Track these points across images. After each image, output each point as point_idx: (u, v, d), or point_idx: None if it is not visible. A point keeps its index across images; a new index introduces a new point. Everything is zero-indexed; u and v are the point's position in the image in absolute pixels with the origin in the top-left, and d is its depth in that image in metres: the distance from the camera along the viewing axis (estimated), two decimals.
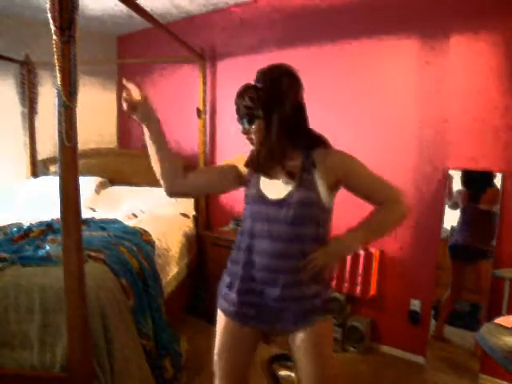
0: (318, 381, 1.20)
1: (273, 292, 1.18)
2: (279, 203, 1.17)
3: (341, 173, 1.17)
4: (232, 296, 1.25)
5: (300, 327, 1.20)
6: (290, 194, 1.16)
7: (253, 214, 1.23)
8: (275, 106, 1.13)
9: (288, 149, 1.18)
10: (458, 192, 2.26)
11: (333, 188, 1.19)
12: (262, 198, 1.20)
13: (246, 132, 1.20)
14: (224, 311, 1.29)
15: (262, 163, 1.20)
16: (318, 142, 1.21)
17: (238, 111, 1.19)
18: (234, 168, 1.30)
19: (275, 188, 1.19)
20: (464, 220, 2.28)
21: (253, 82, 1.17)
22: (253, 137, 1.19)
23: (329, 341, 1.27)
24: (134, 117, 1.19)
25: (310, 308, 1.20)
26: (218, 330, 1.31)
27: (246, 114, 1.17)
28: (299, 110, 1.19)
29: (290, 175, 1.18)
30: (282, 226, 1.16)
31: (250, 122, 1.17)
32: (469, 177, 2.23)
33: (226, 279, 1.30)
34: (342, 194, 1.23)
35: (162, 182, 1.24)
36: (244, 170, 1.29)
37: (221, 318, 1.31)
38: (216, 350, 1.32)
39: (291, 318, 1.20)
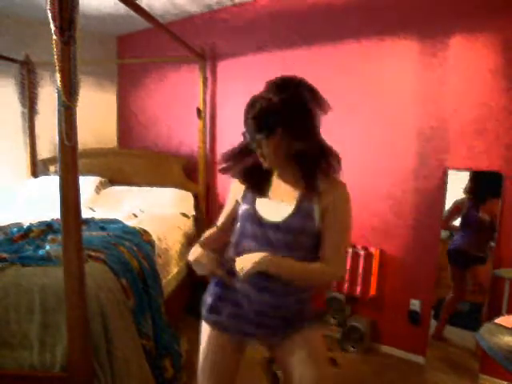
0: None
1: (260, 305, 1.17)
2: (276, 227, 1.12)
3: (330, 205, 1.13)
4: (224, 309, 1.23)
5: (288, 334, 1.20)
6: (288, 220, 1.12)
7: (245, 232, 1.19)
8: (297, 121, 1.07)
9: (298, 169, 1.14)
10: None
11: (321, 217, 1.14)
12: (257, 219, 1.16)
13: (259, 146, 1.10)
14: (213, 324, 1.25)
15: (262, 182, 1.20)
16: (328, 170, 1.14)
17: (253, 123, 1.08)
18: (236, 202, 1.29)
19: (271, 209, 1.16)
20: (463, 225, 2.29)
21: (264, 94, 1.08)
22: (264, 152, 1.11)
23: (320, 347, 1.23)
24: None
25: (297, 316, 1.21)
26: (207, 345, 1.27)
27: (262, 127, 1.06)
28: (317, 129, 1.12)
29: (305, 194, 1.13)
30: (274, 250, 1.11)
31: (267, 136, 1.07)
32: (476, 179, 2.22)
33: (213, 290, 1.27)
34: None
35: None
36: (239, 190, 1.26)
37: (208, 332, 1.27)
38: (203, 369, 1.30)
39: (280, 326, 1.20)
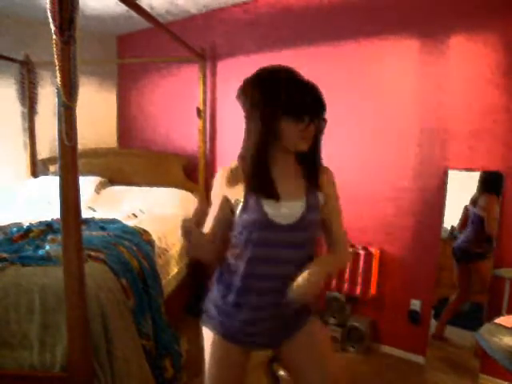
0: (324, 379, 1.19)
1: (276, 311, 1.15)
2: (290, 227, 1.09)
3: (330, 192, 1.18)
4: (234, 322, 1.17)
5: (295, 331, 1.21)
6: (302, 217, 1.10)
7: (258, 241, 1.10)
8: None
9: None
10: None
11: None
12: (270, 223, 1.08)
13: (311, 126, 1.06)
14: (224, 336, 1.19)
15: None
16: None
17: (318, 100, 1.08)
18: (225, 205, 1.14)
19: (281, 210, 1.09)
20: (467, 221, 2.30)
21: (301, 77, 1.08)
22: (310, 134, 1.07)
23: (326, 338, 1.29)
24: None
25: (303, 312, 1.21)
26: (215, 357, 1.20)
27: (324, 107, 1.08)
28: None
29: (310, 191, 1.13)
30: (294, 250, 1.12)
31: (322, 116, 1.09)
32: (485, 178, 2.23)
33: (218, 303, 1.20)
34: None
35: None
36: (228, 192, 1.13)
37: (218, 344, 1.20)
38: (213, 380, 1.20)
39: (290, 327, 1.20)
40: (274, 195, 1.08)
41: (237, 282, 1.14)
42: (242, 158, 1.13)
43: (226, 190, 1.13)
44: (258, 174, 1.09)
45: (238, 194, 1.11)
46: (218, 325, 1.20)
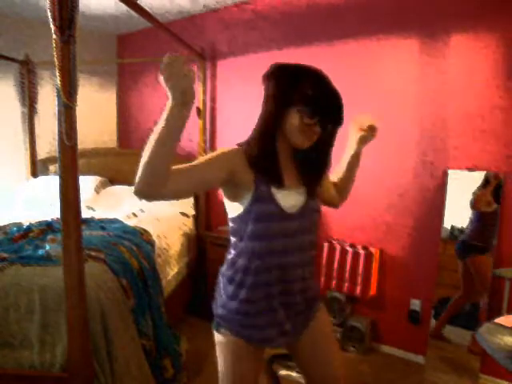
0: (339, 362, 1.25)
1: (300, 297, 1.18)
2: (300, 215, 1.12)
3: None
4: (255, 320, 1.13)
5: (309, 320, 1.23)
6: (306, 204, 1.13)
7: (272, 232, 1.09)
8: None
9: None
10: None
11: None
12: (282, 214, 1.08)
13: (319, 126, 1.12)
14: (257, 340, 1.14)
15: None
16: None
17: (339, 108, 1.19)
18: (220, 176, 1.05)
19: (289, 198, 1.10)
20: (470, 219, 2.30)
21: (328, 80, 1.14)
22: (316, 133, 1.11)
23: (332, 330, 1.35)
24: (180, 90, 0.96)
25: (317, 296, 1.26)
26: (241, 364, 1.15)
27: (334, 118, 1.18)
28: None
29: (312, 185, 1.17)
30: (303, 237, 1.15)
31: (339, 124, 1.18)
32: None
33: (245, 308, 1.13)
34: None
35: (143, 182, 1.01)
36: (238, 170, 1.06)
37: (244, 350, 1.15)
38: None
39: (307, 315, 1.22)
40: (282, 184, 1.08)
41: (246, 277, 1.12)
42: (247, 144, 1.11)
43: (236, 167, 1.06)
44: (267, 161, 1.08)
45: (246, 178, 1.06)
46: (237, 327, 1.15)
